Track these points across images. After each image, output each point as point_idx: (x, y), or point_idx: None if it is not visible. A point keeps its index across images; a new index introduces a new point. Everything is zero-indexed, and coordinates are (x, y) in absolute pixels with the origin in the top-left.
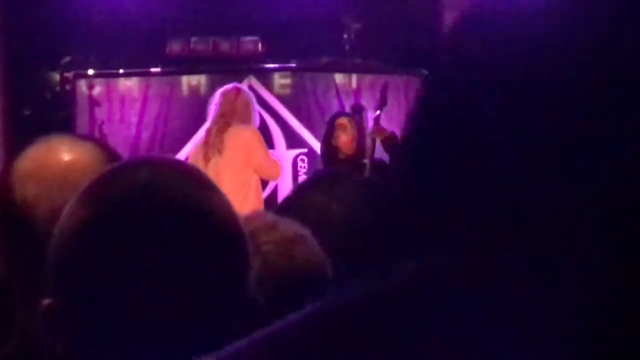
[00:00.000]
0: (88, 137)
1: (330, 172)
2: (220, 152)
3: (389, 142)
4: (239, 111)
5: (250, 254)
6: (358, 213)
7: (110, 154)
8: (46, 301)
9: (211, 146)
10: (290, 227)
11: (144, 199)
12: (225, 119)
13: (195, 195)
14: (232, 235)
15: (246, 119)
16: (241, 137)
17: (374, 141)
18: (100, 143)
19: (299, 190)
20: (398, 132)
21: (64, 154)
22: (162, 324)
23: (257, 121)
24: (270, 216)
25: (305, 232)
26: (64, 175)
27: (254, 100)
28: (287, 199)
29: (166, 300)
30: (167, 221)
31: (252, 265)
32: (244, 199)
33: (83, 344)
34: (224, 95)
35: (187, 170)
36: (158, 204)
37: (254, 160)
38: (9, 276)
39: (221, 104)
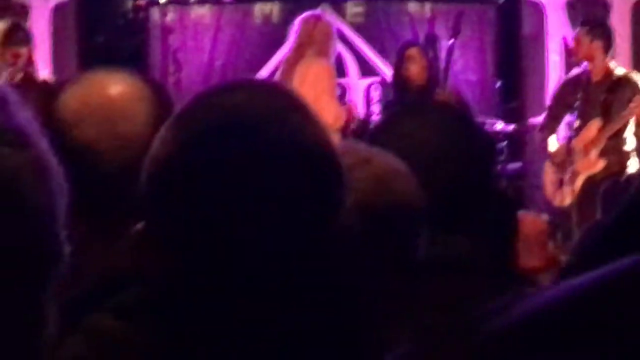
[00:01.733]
0: (124, 69)
1: (419, 101)
2: (289, 84)
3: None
4: (316, 41)
5: (345, 179)
6: (449, 141)
7: (157, 86)
8: (138, 225)
9: (283, 76)
10: (386, 161)
11: (240, 121)
12: (300, 49)
13: (291, 119)
14: (327, 159)
15: (324, 50)
16: (311, 70)
17: (446, 71)
18: (145, 75)
19: (389, 118)
20: (471, 61)
21: (110, 88)
22: (254, 248)
23: (335, 53)
24: (364, 149)
25: (401, 165)
26: (116, 108)
27: (334, 29)
28: (377, 128)
29: (259, 224)
30: (263, 144)
31: (347, 192)
32: None
33: (174, 269)
34: (303, 23)
35: (284, 94)
36: (255, 127)
37: (318, 97)
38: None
39: (299, 32)
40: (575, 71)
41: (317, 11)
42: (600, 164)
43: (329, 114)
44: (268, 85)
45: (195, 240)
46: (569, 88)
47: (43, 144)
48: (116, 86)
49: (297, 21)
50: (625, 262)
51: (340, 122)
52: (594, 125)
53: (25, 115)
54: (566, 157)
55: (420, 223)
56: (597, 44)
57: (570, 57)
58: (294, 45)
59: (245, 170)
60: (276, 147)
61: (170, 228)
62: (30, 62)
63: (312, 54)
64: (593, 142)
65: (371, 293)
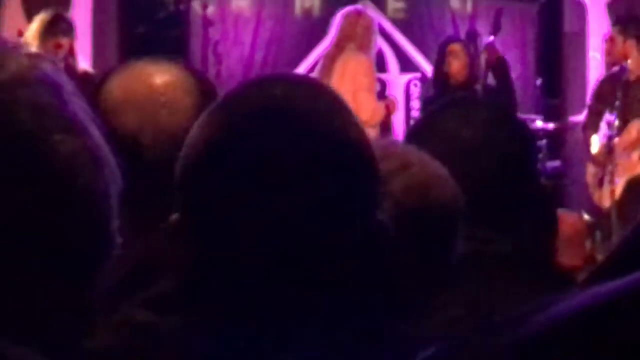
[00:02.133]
0: (176, 60)
1: (460, 97)
2: (329, 78)
3: (496, 66)
4: (357, 36)
5: (380, 178)
6: (490, 138)
7: (200, 76)
8: (173, 217)
9: (322, 71)
10: (425, 166)
11: (278, 116)
12: (341, 44)
13: (328, 116)
14: (363, 157)
15: (364, 45)
16: (350, 65)
17: (486, 64)
18: (188, 65)
19: (430, 115)
20: (512, 59)
21: (155, 77)
22: (286, 240)
23: (376, 48)
24: (403, 152)
25: (440, 169)
26: (160, 98)
27: (375, 25)
28: (418, 124)
29: (295, 220)
30: (300, 139)
31: (381, 190)
32: None
33: (208, 260)
34: (345, 17)
35: (323, 91)
36: (293, 122)
37: (356, 92)
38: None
39: (340, 27)
40: (614, 69)
41: (359, 6)
42: None
43: (366, 110)
44: (306, 80)
45: (230, 229)
46: (607, 86)
47: (96, 132)
48: (160, 76)
49: (339, 15)
50: None
51: (379, 118)
52: (635, 126)
53: (79, 103)
54: (607, 157)
55: (458, 228)
56: (631, 42)
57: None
58: (334, 40)
59: (282, 161)
60: (315, 140)
61: (206, 216)
62: (71, 52)
63: (353, 49)
64: (634, 144)
65: (408, 291)
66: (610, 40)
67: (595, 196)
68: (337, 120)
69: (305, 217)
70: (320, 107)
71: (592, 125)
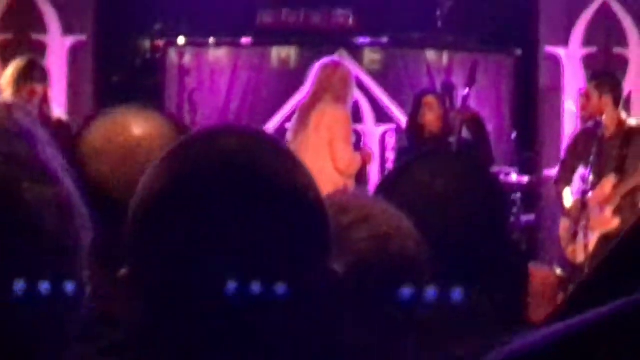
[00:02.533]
0: (155, 109)
1: (429, 149)
2: (305, 129)
3: (472, 122)
4: (334, 87)
5: (331, 229)
6: (462, 191)
7: (179, 125)
8: (123, 271)
9: (298, 122)
10: (387, 218)
11: (225, 167)
12: (317, 95)
13: (276, 167)
14: (312, 209)
15: (341, 96)
16: (326, 116)
17: (460, 121)
18: (168, 114)
19: (403, 166)
20: (487, 111)
21: (134, 127)
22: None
23: (352, 100)
24: (366, 204)
25: (403, 222)
26: (135, 149)
27: (352, 76)
28: (389, 176)
29: (244, 269)
30: (247, 191)
31: (332, 240)
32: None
33: (158, 313)
34: (322, 68)
35: (270, 142)
36: (240, 174)
37: (332, 143)
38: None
39: (317, 78)
40: (589, 124)
41: (336, 57)
42: (615, 222)
43: (343, 160)
44: (254, 132)
45: (176, 283)
46: (582, 141)
47: (69, 181)
48: (139, 125)
49: (316, 66)
50: (619, 304)
51: (355, 168)
52: (609, 181)
53: (52, 152)
54: (581, 212)
55: (422, 280)
56: (607, 98)
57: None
58: (311, 91)
59: (228, 214)
60: (262, 191)
61: (152, 269)
62: (45, 100)
63: (329, 100)
64: (607, 200)
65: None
66: (586, 95)
67: (569, 250)
68: (286, 171)
69: (252, 270)
70: (268, 158)
71: (564, 179)
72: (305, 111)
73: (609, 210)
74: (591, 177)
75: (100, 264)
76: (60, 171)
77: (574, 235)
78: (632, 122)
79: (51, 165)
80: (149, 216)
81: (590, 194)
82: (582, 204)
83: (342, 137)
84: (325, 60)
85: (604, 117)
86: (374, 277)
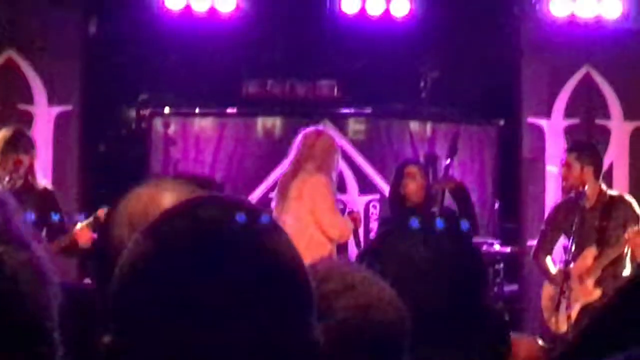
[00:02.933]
0: (193, 178)
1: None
2: (287, 198)
3: (457, 191)
4: (316, 156)
5: (314, 298)
6: (440, 260)
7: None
8: (106, 338)
9: (280, 191)
10: (370, 288)
11: (207, 236)
12: (299, 164)
13: (260, 238)
14: (294, 278)
15: (323, 165)
16: (307, 186)
17: (443, 190)
18: (206, 183)
19: (383, 236)
20: (470, 182)
21: (164, 198)
22: None
23: (337, 168)
24: (349, 273)
25: (386, 292)
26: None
27: (335, 145)
28: (371, 245)
29: (224, 339)
30: (229, 260)
31: (315, 310)
32: (304, 249)
33: None
34: (304, 137)
35: (252, 211)
36: (221, 243)
37: (316, 212)
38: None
39: (299, 147)
40: (570, 195)
41: (320, 126)
42: (597, 293)
43: (334, 229)
44: (237, 201)
45: (155, 353)
46: (562, 212)
47: (39, 248)
48: (169, 199)
49: (299, 135)
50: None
51: (348, 234)
52: (590, 253)
53: (22, 219)
54: (563, 282)
55: (402, 349)
56: (588, 170)
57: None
58: (292, 160)
59: (211, 284)
60: (244, 263)
61: (132, 340)
62: (31, 169)
63: (311, 169)
64: (589, 271)
65: None
66: (567, 166)
67: (551, 321)
68: (269, 243)
69: (232, 336)
70: (251, 230)
71: (543, 250)
72: (287, 181)
73: (590, 282)
74: (573, 248)
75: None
76: (31, 238)
77: (557, 306)
78: (612, 193)
79: (22, 232)
80: (132, 285)
81: (572, 265)
82: (565, 274)
83: (327, 206)
84: (308, 129)
85: (585, 188)
86: (355, 347)
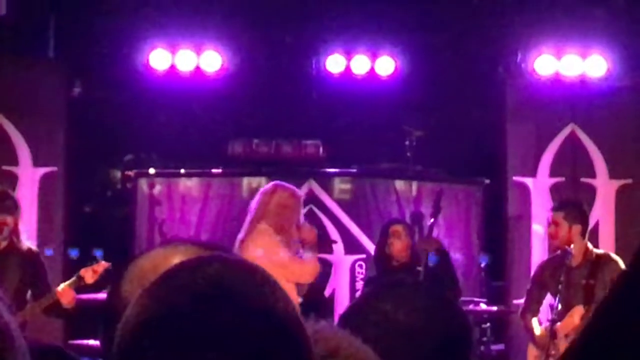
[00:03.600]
0: (206, 244)
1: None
2: (244, 255)
3: (438, 252)
4: (271, 213)
5: (311, 355)
6: (428, 323)
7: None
8: None
9: (239, 250)
10: (355, 351)
11: (209, 294)
12: (253, 224)
13: (260, 297)
14: (295, 338)
15: (280, 221)
16: (258, 243)
17: (426, 250)
18: (218, 248)
19: (366, 297)
20: (456, 240)
21: (176, 259)
22: None
23: (298, 220)
24: (333, 337)
25: (369, 354)
26: None
27: (294, 199)
28: (355, 305)
29: None
30: (232, 320)
31: None
32: None
33: None
34: (260, 195)
35: (253, 270)
36: (225, 302)
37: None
38: None
39: (255, 206)
40: (556, 254)
41: (277, 182)
42: None
43: (294, 275)
44: (239, 260)
45: None
46: (548, 271)
47: (6, 313)
48: (177, 257)
49: (257, 193)
50: None
51: (310, 272)
52: (577, 311)
53: None
54: (549, 341)
55: None
56: (576, 229)
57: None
58: (249, 219)
59: (214, 339)
60: (247, 321)
61: None
62: (15, 230)
63: (262, 228)
64: (576, 329)
65: None
66: (555, 224)
67: None
68: (269, 301)
69: None
70: (252, 288)
71: (530, 310)
72: (243, 241)
73: None
74: (559, 307)
75: None
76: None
77: None
78: (598, 251)
79: None
80: (135, 344)
81: (558, 324)
82: (551, 333)
83: (278, 260)
84: (265, 186)
85: (572, 246)
86: None
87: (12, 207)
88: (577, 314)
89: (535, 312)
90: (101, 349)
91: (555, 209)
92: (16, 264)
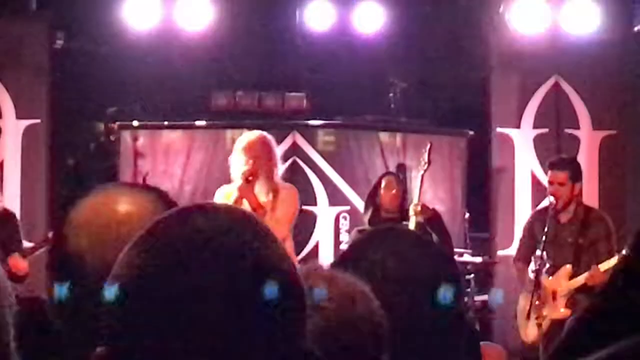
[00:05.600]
0: (149, 187)
1: (385, 227)
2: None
3: (432, 220)
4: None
5: (306, 305)
6: (413, 269)
7: (171, 205)
8: (99, 350)
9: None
10: (349, 281)
11: (200, 246)
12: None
13: (252, 243)
14: (288, 284)
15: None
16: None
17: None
18: (162, 193)
19: (355, 244)
20: (440, 192)
21: (120, 205)
22: None
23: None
24: (327, 270)
25: (365, 287)
26: (117, 226)
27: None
28: (343, 254)
29: (221, 349)
30: (223, 269)
31: (307, 317)
32: None
33: None
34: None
35: (242, 218)
36: (214, 252)
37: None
38: (60, 321)
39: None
40: (543, 205)
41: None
42: (566, 313)
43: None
44: (226, 209)
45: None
46: (538, 223)
47: None
48: (125, 205)
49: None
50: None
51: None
52: (564, 272)
53: None
54: (533, 292)
55: (384, 341)
56: (578, 187)
57: (540, 191)
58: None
59: (204, 291)
60: (237, 269)
61: (129, 347)
62: None
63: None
64: (561, 290)
65: None
66: (560, 184)
67: (522, 329)
68: (260, 248)
69: (228, 346)
70: (241, 235)
71: (522, 258)
72: None
73: (562, 301)
74: (548, 262)
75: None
76: None
77: (527, 315)
78: (587, 207)
79: None
80: (125, 295)
81: (543, 276)
82: (535, 285)
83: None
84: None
85: (566, 203)
86: (343, 331)
87: None
88: (565, 275)
89: (528, 260)
90: (51, 287)
91: (557, 168)
92: None
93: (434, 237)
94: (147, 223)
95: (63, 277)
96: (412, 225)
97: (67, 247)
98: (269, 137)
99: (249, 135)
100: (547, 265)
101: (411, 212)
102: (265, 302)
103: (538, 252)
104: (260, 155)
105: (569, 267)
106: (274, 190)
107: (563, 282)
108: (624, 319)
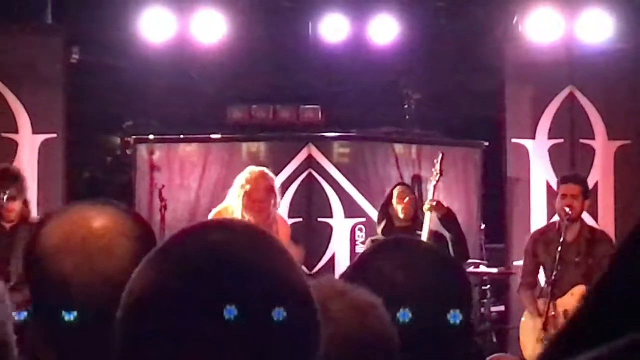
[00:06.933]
0: (106, 202)
1: (394, 239)
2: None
3: (447, 217)
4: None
5: (320, 319)
6: (423, 282)
7: (133, 216)
8: None
9: None
10: (361, 294)
11: (216, 261)
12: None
13: (266, 260)
14: (301, 299)
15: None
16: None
17: (430, 212)
18: (120, 206)
19: (364, 257)
20: (456, 203)
21: (93, 220)
22: None
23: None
24: (339, 283)
25: (376, 300)
26: (97, 240)
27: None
28: (353, 266)
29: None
30: (238, 284)
31: (321, 331)
32: None
33: None
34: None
35: (259, 234)
36: (230, 267)
37: None
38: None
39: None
40: (545, 226)
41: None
42: None
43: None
44: (244, 225)
45: None
46: (541, 245)
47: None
48: (99, 220)
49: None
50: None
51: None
52: (577, 291)
53: None
54: (547, 315)
55: (395, 356)
56: (587, 204)
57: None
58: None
59: (221, 306)
60: (253, 284)
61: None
62: (25, 209)
63: None
64: (573, 310)
65: None
66: (573, 197)
67: (527, 352)
68: (275, 264)
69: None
70: (258, 252)
71: (526, 284)
72: None
73: None
74: (555, 281)
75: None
76: None
77: (538, 338)
78: (593, 227)
79: None
80: (143, 308)
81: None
82: (548, 306)
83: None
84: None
85: (573, 221)
86: (355, 345)
87: (21, 191)
88: (578, 294)
89: (533, 285)
90: (30, 293)
91: (572, 182)
92: (25, 239)
93: (449, 235)
94: (125, 233)
95: (37, 281)
96: (427, 222)
97: (51, 272)
98: (270, 174)
99: (252, 175)
100: (554, 284)
101: (426, 208)
102: (282, 319)
103: (542, 271)
104: (264, 199)
105: (582, 287)
106: (269, 226)
107: (575, 302)
108: (615, 319)
